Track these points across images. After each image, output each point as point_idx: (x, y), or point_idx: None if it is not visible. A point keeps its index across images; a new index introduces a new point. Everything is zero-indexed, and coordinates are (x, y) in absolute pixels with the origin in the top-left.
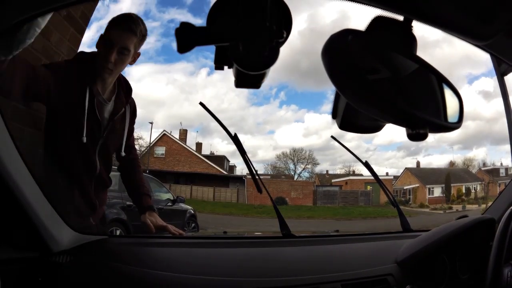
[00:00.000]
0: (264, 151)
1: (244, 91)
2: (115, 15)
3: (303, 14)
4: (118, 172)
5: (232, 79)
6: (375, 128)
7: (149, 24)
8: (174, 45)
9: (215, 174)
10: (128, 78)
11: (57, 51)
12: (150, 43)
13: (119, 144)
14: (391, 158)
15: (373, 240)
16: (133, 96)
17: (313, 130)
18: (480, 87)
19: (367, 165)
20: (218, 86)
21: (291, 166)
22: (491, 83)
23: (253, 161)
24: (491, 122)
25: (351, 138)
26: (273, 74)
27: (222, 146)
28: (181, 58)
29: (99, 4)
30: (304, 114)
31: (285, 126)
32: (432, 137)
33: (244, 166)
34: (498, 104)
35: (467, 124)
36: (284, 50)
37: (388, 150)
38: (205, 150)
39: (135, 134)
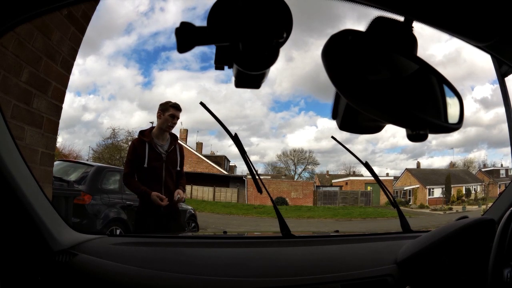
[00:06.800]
0: (274, 152)
1: (269, 99)
2: (160, 26)
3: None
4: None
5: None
6: (376, 128)
7: None
8: (209, 52)
9: (215, 174)
10: (160, 82)
11: (58, 50)
12: (189, 52)
13: (175, 165)
14: (395, 160)
15: (373, 240)
16: (164, 100)
17: (325, 134)
18: (480, 95)
19: (367, 165)
20: (243, 96)
21: (292, 166)
22: (489, 92)
23: (262, 161)
24: (490, 128)
25: (358, 142)
26: (299, 87)
27: (235, 148)
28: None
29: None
30: (317, 120)
31: (299, 131)
32: (434, 141)
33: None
34: (497, 110)
35: (467, 129)
36: (309, 64)
37: (393, 152)
38: (207, 151)
39: (136, 135)
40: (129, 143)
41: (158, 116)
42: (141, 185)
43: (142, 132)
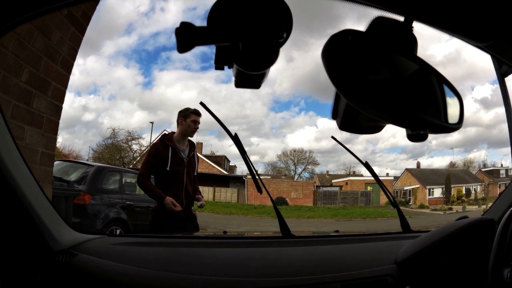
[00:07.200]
0: (274, 152)
1: (269, 100)
2: (161, 26)
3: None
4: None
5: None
6: (376, 128)
7: None
8: (209, 52)
9: (215, 174)
10: (161, 82)
11: (58, 50)
12: (190, 52)
13: (194, 170)
14: (395, 160)
15: (373, 240)
16: (164, 100)
17: (325, 134)
18: (480, 95)
19: (367, 165)
20: (243, 96)
21: (292, 166)
22: (489, 92)
23: (262, 161)
24: (490, 128)
25: (358, 142)
26: (299, 87)
27: (235, 148)
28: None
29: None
30: (317, 120)
31: (299, 131)
32: (434, 141)
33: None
34: (497, 110)
35: (467, 129)
36: (309, 65)
37: (393, 152)
38: (207, 151)
39: (136, 135)
40: (129, 143)
41: (180, 123)
42: (156, 188)
43: (165, 136)
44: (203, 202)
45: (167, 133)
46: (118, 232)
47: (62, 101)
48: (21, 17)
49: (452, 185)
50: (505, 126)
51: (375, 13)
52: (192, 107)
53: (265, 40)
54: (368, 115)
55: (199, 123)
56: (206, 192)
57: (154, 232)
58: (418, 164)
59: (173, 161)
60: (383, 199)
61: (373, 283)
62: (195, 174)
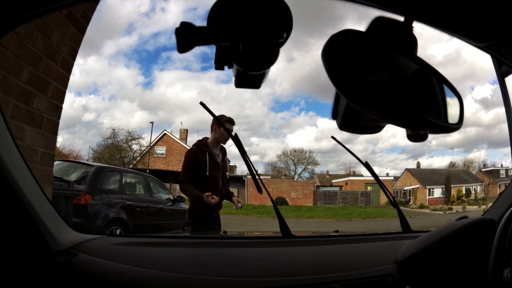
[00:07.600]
0: (274, 152)
1: (269, 100)
2: (161, 26)
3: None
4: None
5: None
6: (376, 128)
7: None
8: (209, 53)
9: None
10: (161, 82)
11: (58, 50)
12: (190, 52)
13: (226, 173)
14: (395, 160)
15: (373, 240)
16: (164, 100)
17: (325, 134)
18: (480, 95)
19: (367, 165)
20: (243, 96)
21: (292, 166)
22: (489, 92)
23: (262, 161)
24: (490, 128)
25: (358, 142)
26: (299, 87)
27: (235, 147)
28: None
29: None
30: (318, 120)
31: (299, 131)
32: (434, 141)
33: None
34: (497, 110)
35: (467, 129)
36: (310, 65)
37: (393, 152)
38: None
39: (136, 135)
40: (129, 143)
41: (214, 130)
42: (195, 190)
43: (201, 142)
44: (241, 205)
45: (200, 138)
46: (118, 232)
47: (62, 101)
48: (21, 17)
49: (452, 185)
50: (505, 126)
51: (375, 13)
52: (193, 107)
53: (265, 40)
54: (368, 115)
55: (232, 131)
56: None
57: (193, 233)
58: (418, 164)
59: (210, 166)
60: (383, 199)
61: (373, 283)
62: (228, 177)
